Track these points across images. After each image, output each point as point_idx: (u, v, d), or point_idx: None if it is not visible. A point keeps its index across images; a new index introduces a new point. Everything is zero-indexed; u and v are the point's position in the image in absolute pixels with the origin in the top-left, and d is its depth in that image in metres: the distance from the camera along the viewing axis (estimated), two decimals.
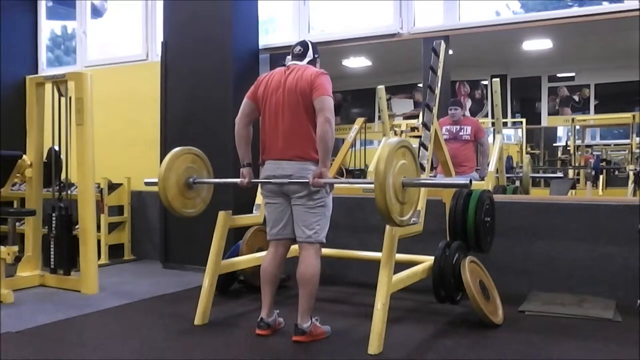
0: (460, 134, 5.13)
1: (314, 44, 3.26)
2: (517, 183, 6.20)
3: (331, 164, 4.21)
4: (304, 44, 3.22)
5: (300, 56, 3.18)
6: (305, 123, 3.03)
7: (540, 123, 7.12)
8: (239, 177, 3.29)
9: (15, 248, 4.08)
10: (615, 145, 7.57)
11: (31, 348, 3.03)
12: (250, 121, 3.23)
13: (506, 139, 6.71)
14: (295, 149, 3.04)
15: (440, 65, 3.70)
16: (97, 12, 6.87)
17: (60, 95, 4.53)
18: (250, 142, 3.24)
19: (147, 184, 3.64)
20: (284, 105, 3.05)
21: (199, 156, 3.61)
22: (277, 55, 5.06)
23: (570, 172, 6.95)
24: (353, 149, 6.04)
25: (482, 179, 4.96)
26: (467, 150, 5.15)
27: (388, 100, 6.57)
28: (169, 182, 3.40)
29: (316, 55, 3.23)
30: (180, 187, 3.47)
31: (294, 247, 3.31)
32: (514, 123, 7.16)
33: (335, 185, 3.28)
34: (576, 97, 6.89)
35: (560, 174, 6.53)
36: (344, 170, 6.04)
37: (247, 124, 3.22)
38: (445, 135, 4.89)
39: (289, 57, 3.23)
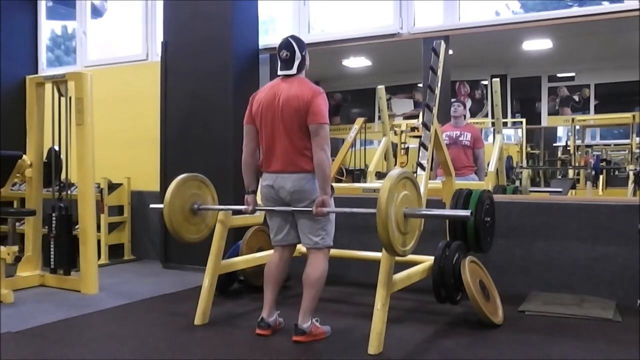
0: (460, 139, 5.14)
1: (299, 39, 3.16)
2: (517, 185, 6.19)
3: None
4: (289, 47, 3.10)
5: (289, 62, 3.10)
6: (300, 139, 3.03)
7: (540, 123, 7.11)
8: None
9: (15, 248, 4.08)
10: (615, 145, 7.55)
11: (31, 348, 3.03)
12: (255, 147, 3.21)
13: (506, 139, 6.69)
14: (293, 165, 3.06)
15: (440, 65, 3.69)
16: (97, 12, 6.87)
17: (60, 95, 4.53)
18: (256, 169, 3.24)
19: (152, 208, 3.69)
20: (279, 120, 3.05)
21: (204, 182, 3.64)
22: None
23: (570, 172, 6.94)
24: (353, 149, 6.04)
25: None
26: (466, 155, 5.16)
27: (388, 100, 6.56)
28: (174, 209, 3.43)
29: (303, 53, 3.14)
30: (185, 213, 3.49)
31: (298, 247, 3.32)
32: (514, 123, 7.15)
33: (336, 186, 3.28)
34: (576, 97, 6.87)
35: (559, 189, 6.50)
36: (344, 170, 6.04)
37: (253, 151, 3.21)
38: (445, 141, 4.89)
39: (278, 63, 3.14)
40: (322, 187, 2.99)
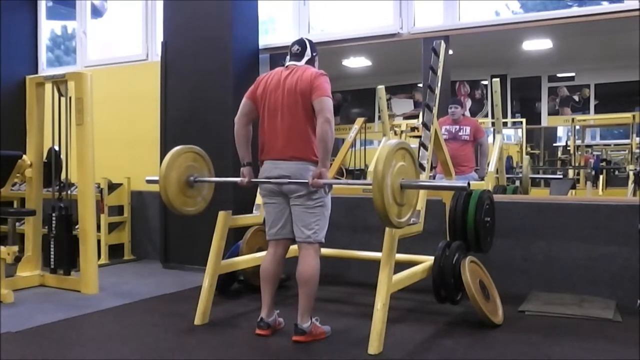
0: (460, 134, 5.14)
1: (312, 42, 3.25)
2: (517, 183, 6.20)
3: (331, 164, 4.20)
4: (301, 43, 3.21)
5: (299, 55, 3.18)
6: (304, 124, 3.03)
7: (540, 123, 7.11)
8: (239, 176, 3.30)
9: (15, 248, 4.08)
10: (615, 145, 7.56)
11: (31, 348, 3.03)
12: (249, 121, 3.23)
13: (506, 139, 6.70)
14: (294, 149, 3.04)
15: (440, 65, 3.70)
16: (97, 12, 6.87)
17: (60, 95, 4.53)
18: (250, 142, 3.24)
19: (148, 181, 3.66)
20: (283, 105, 3.06)
21: (200, 155, 3.61)
22: (277, 55, 5.06)
23: (570, 172, 6.95)
24: (353, 149, 6.04)
25: (481, 179, 4.97)
26: (466, 151, 5.15)
27: (388, 100, 6.56)
28: (169, 181, 3.40)
29: (314, 54, 3.22)
30: (180, 185, 3.47)
31: (294, 247, 3.31)
32: (514, 123, 7.15)
33: (335, 185, 3.28)
34: (576, 97, 6.88)
35: (560, 175, 6.54)
36: (344, 170, 6.04)
37: (246, 123, 3.22)
38: (445, 135, 4.89)
39: (288, 56, 3.23)
40: (321, 160, 2.98)
